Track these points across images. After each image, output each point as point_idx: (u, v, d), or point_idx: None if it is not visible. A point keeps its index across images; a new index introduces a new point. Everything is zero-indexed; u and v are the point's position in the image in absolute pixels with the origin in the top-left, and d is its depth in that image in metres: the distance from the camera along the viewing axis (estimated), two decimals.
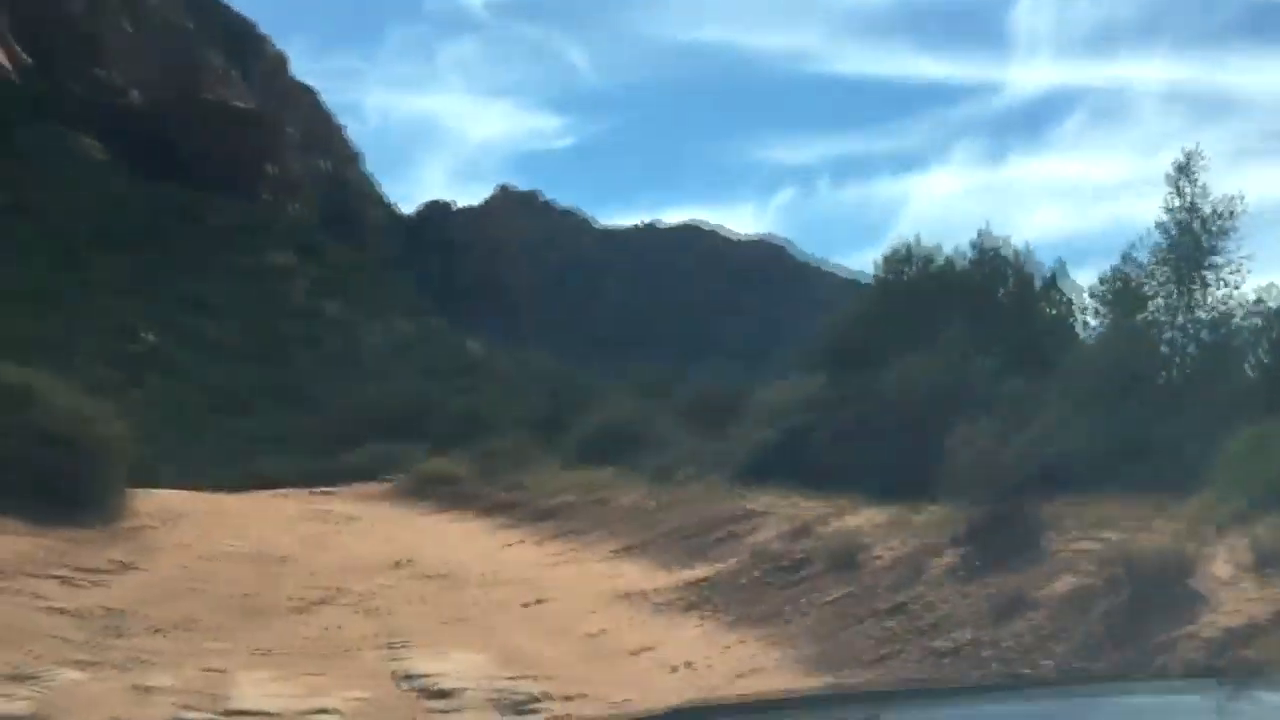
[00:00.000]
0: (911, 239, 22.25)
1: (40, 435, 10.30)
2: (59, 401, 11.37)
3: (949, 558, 7.85)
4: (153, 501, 12.40)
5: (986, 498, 9.38)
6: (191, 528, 10.83)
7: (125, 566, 8.35)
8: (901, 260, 21.40)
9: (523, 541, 11.17)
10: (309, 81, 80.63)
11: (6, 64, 64.39)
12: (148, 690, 4.83)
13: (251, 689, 4.88)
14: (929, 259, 21.02)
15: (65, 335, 30.18)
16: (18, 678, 5.00)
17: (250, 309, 51.04)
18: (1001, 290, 20.24)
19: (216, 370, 41.22)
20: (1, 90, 60.75)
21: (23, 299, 32.84)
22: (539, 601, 7.98)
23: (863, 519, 10.10)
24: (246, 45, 79.85)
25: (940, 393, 16.24)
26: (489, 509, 13.53)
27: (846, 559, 8.31)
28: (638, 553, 9.96)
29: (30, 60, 65.28)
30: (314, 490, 17.67)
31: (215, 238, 56.38)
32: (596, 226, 70.33)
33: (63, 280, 42.27)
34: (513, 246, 73.90)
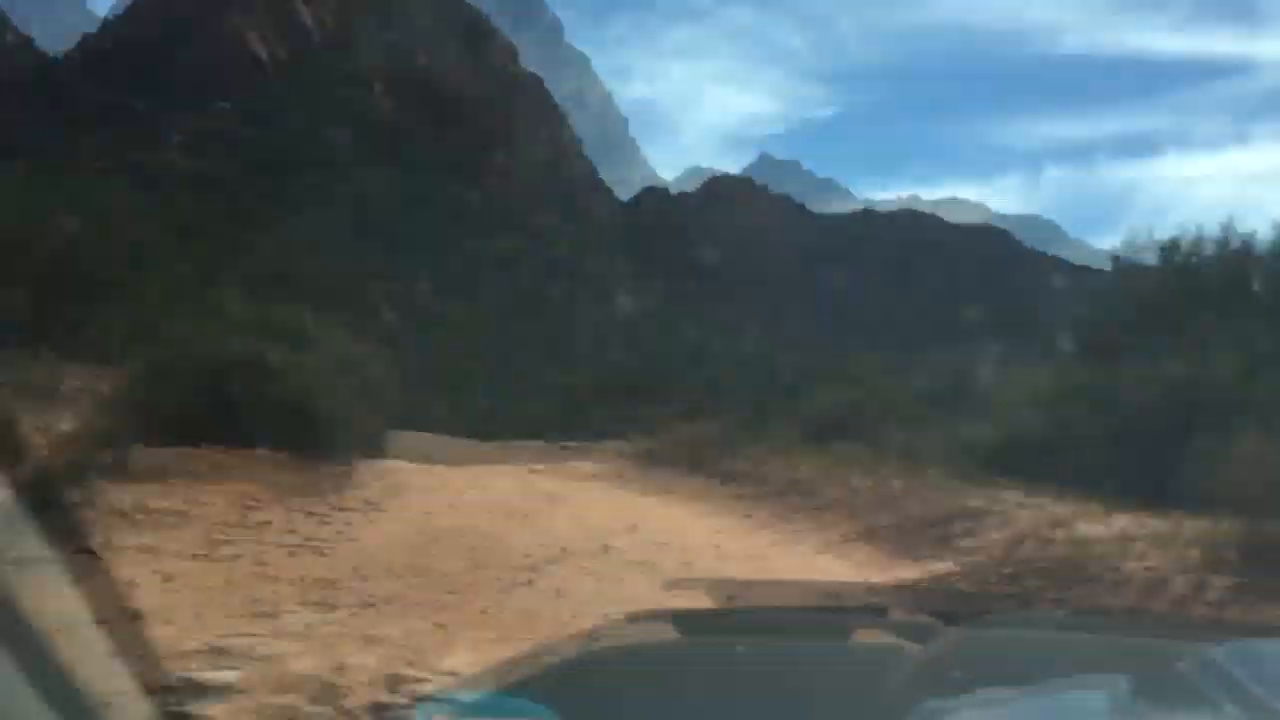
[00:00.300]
0: (1172, 227, 20.65)
1: (293, 396, 11.10)
2: (315, 364, 12.27)
3: (1219, 581, 6.96)
4: (389, 467, 12.84)
5: (1261, 513, 8.36)
6: (420, 493, 11.11)
7: (350, 529, 8.60)
8: (1167, 249, 19.82)
9: (744, 522, 10.85)
10: (570, 46, 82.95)
11: (264, 58, 69.49)
12: (343, 668, 4.79)
13: (449, 669, 4.75)
14: (1191, 248, 19.37)
15: (315, 313, 32.01)
16: (243, 634, 5.10)
17: (480, 291, 53.04)
18: (1256, 283, 18.39)
19: (449, 349, 42.93)
20: (261, 85, 65.51)
21: (276, 281, 34.92)
22: None
23: (1111, 527, 9.22)
24: (479, 35, 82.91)
25: (1196, 391, 14.86)
26: (711, 489, 13.26)
27: (1092, 572, 7.56)
28: (860, 543, 9.47)
29: (285, 56, 69.99)
30: (533, 469, 17.98)
31: (449, 222, 58.89)
32: (819, 212, 68.94)
33: (316, 264, 45.15)
34: (741, 230, 73.59)
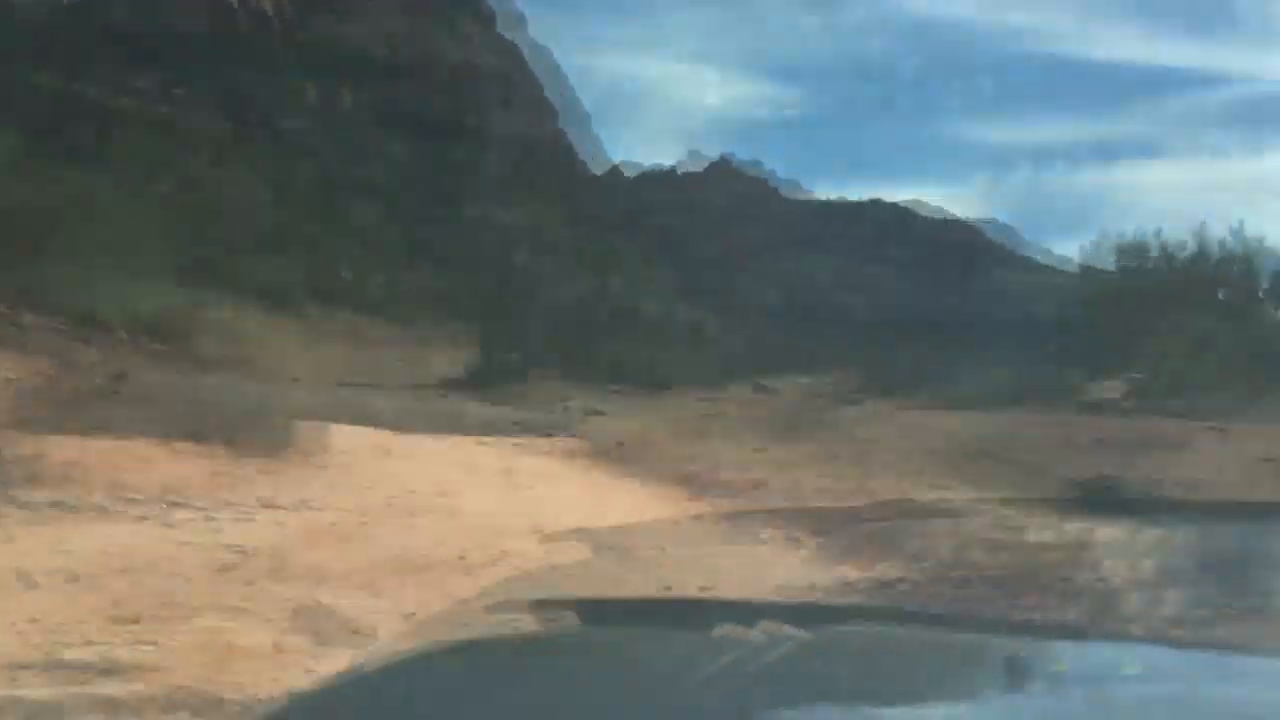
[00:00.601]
0: (1138, 230, 20.85)
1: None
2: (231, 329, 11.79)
3: (1172, 595, 6.93)
4: (340, 437, 12.56)
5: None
6: (374, 468, 10.84)
7: (287, 504, 8.35)
8: (1129, 252, 19.96)
9: (700, 516, 10.69)
10: (532, 39, 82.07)
11: (270, 12, 68.60)
12: (231, 650, 4.57)
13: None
14: (1166, 252, 19.53)
15: (290, 273, 31.26)
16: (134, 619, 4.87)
17: (454, 259, 52.71)
18: (1223, 291, 18.62)
19: (412, 311, 42.37)
20: (262, 39, 64.71)
21: (259, 238, 33.63)
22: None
23: (1065, 534, 9.23)
24: (477, 4, 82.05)
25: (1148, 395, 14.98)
26: (668, 477, 13.02)
27: (1043, 582, 7.56)
28: (808, 537, 9.38)
29: (289, 12, 69.05)
30: (481, 440, 17.73)
31: (431, 188, 58.46)
32: (795, 198, 68.86)
33: (297, 224, 44.36)
34: (708, 213, 73.46)
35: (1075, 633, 2.74)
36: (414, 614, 5.37)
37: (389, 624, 5.01)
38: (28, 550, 6.06)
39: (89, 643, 4.42)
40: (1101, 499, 10.75)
